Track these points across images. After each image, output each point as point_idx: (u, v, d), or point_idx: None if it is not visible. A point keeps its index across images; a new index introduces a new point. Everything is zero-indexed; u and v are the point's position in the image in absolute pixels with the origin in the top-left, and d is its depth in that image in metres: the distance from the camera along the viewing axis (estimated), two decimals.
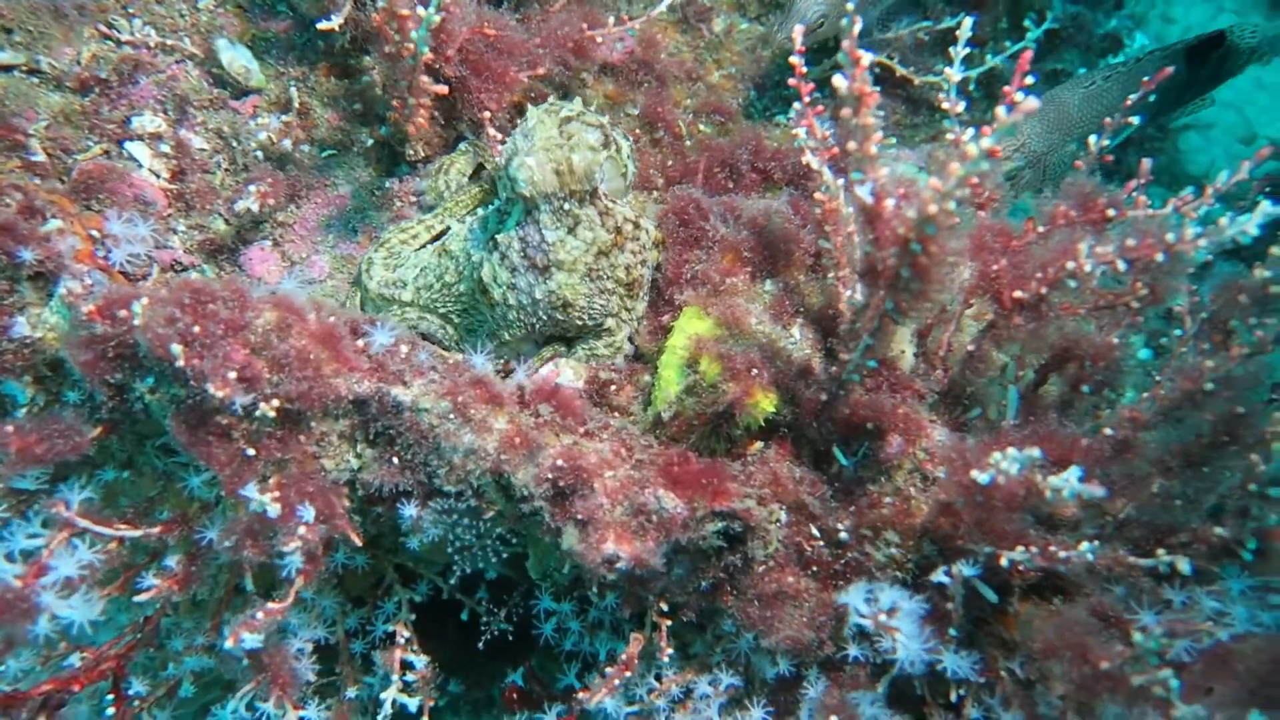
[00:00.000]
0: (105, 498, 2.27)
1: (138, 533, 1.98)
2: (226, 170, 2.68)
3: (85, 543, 1.99)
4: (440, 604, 2.82)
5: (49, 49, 2.59)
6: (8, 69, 2.52)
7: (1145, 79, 2.48)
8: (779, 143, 3.06)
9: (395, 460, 2.10)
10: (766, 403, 2.12)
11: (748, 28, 3.78)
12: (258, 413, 1.91)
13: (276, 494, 1.94)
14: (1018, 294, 2.01)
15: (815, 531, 2.02)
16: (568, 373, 2.50)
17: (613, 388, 2.46)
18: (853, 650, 1.99)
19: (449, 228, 2.64)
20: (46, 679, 1.93)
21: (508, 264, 2.31)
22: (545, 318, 2.37)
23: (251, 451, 1.99)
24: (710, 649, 2.21)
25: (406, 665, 2.37)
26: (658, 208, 2.77)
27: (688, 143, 3.18)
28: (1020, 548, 1.75)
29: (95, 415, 2.02)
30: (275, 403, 1.92)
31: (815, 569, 2.01)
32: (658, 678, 2.26)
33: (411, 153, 2.75)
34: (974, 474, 1.74)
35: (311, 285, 2.69)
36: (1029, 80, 1.74)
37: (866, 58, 1.55)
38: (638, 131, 3.18)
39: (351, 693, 2.51)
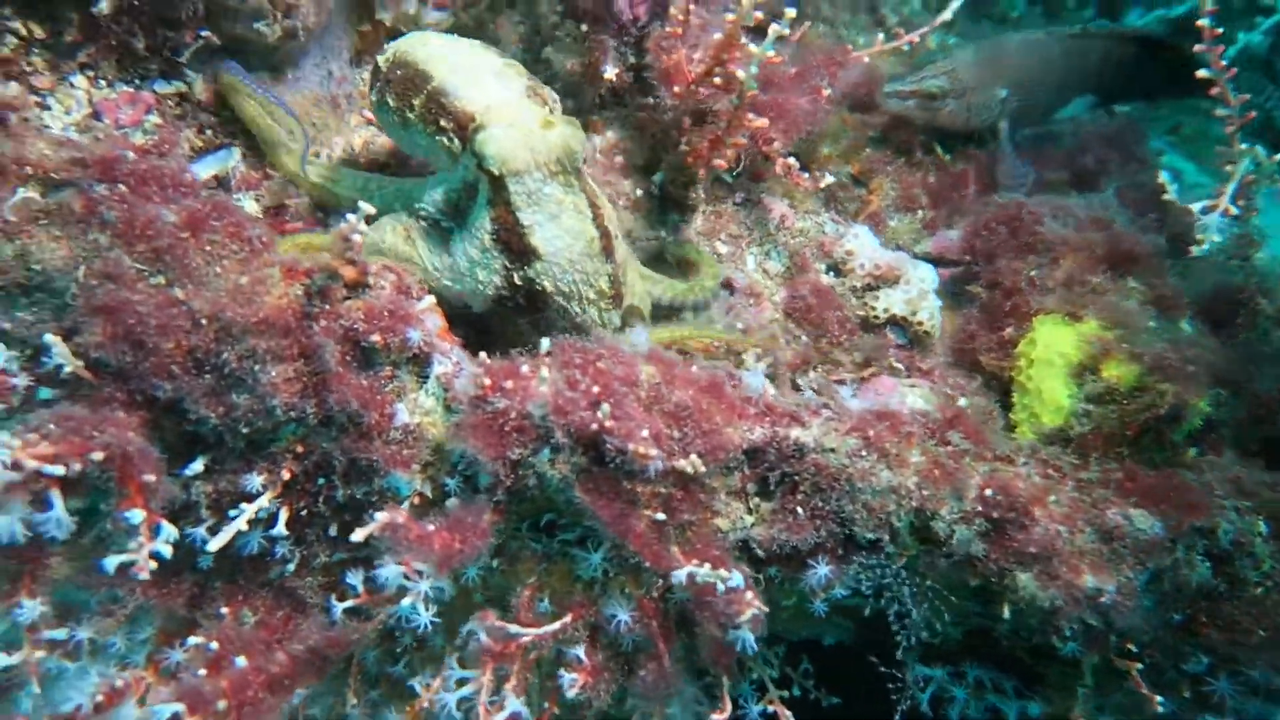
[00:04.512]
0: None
1: (554, 627, 1.80)
2: None
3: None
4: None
5: (326, 141, 2.57)
6: None
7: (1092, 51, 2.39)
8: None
9: (799, 510, 1.91)
10: (1202, 402, 1.90)
11: (955, 44, 3.68)
12: (680, 466, 1.74)
13: (701, 564, 1.76)
14: None
15: None
16: (917, 400, 2.31)
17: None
18: None
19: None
20: None
21: (477, 244, 1.94)
22: (516, 304, 1.99)
23: (662, 516, 1.82)
24: (1173, 693, 1.93)
25: None
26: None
27: (946, 157, 3.03)
28: None
29: (491, 500, 1.87)
30: (694, 458, 1.76)
31: None
32: None
33: (693, 197, 2.63)
34: None
35: None
36: None
37: None
38: (889, 153, 3.05)
39: None
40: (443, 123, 1.89)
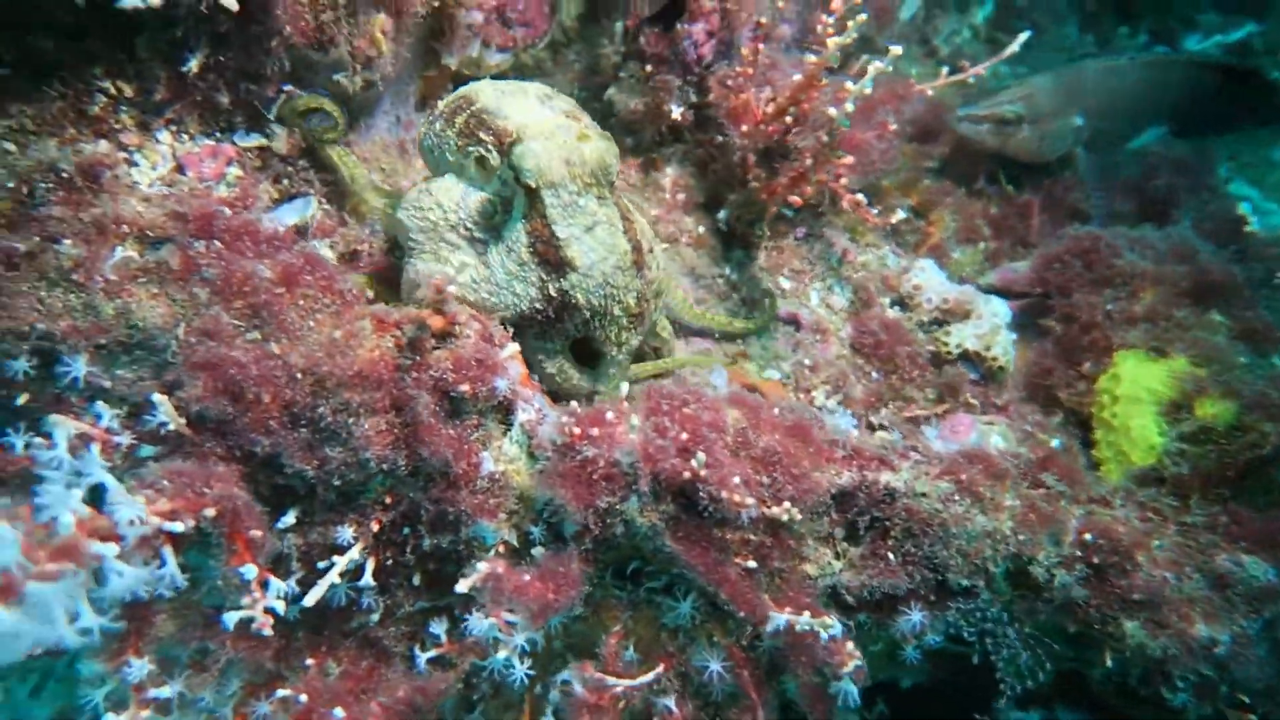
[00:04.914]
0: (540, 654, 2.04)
1: (648, 677, 1.77)
2: None
3: None
4: None
5: (394, 186, 2.58)
6: None
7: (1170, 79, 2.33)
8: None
9: (891, 556, 1.87)
10: None
11: (1008, 72, 3.67)
12: (775, 514, 1.72)
13: (798, 612, 1.73)
14: None
15: None
16: (997, 439, 2.27)
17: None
18: None
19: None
20: None
21: (515, 257, 1.90)
22: (545, 317, 1.95)
23: (754, 564, 1.79)
24: None
25: None
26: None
27: (1009, 188, 3.00)
28: None
29: (579, 548, 1.84)
30: (788, 506, 1.73)
31: None
32: None
33: (759, 233, 2.62)
34: None
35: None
36: None
37: None
38: (949, 184, 3.03)
39: None
40: (481, 134, 1.91)
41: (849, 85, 1.99)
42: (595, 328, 2.00)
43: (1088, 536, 1.79)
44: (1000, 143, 2.82)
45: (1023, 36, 2.48)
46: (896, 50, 1.99)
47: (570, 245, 1.88)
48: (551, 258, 1.89)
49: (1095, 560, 1.78)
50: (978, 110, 2.82)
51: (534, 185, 1.83)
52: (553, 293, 1.92)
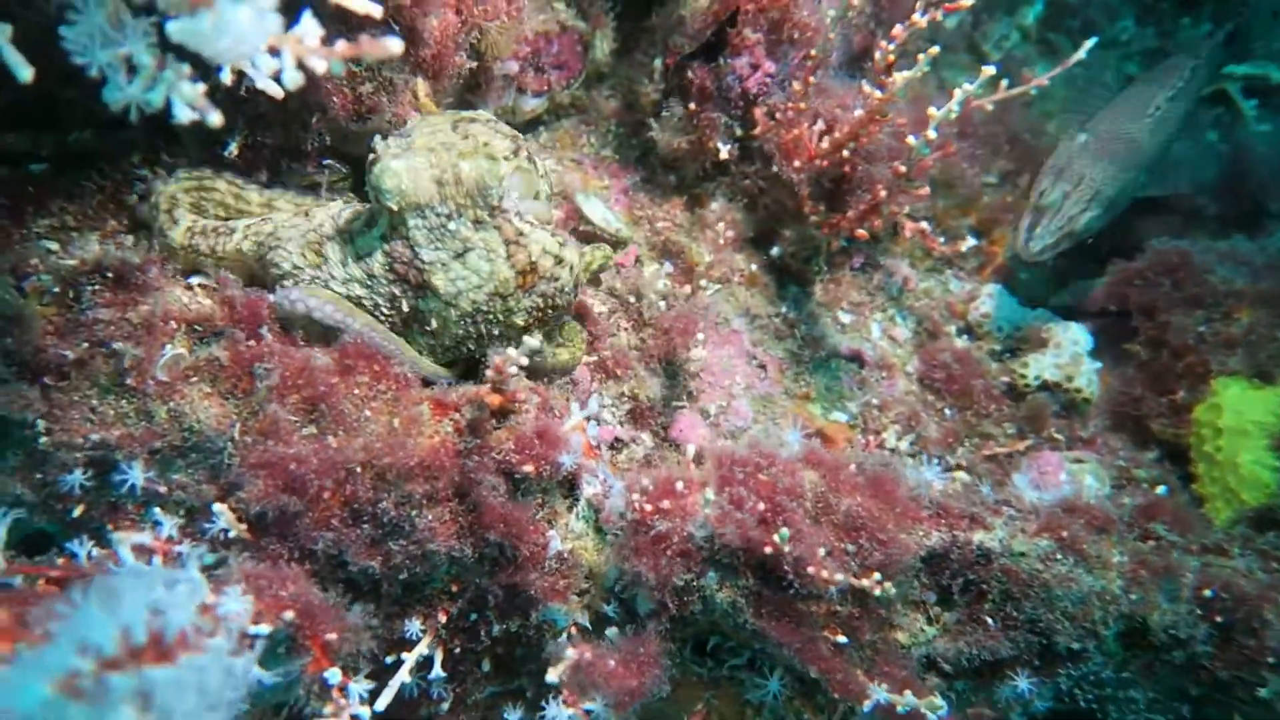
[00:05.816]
0: None
1: None
2: (626, 329, 2.50)
3: None
4: None
5: None
6: None
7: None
8: None
9: (990, 621, 1.75)
10: None
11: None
12: (866, 587, 1.60)
13: (893, 685, 1.61)
14: None
15: None
16: (1089, 480, 2.13)
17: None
18: None
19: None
20: None
21: (363, 266, 1.74)
22: (393, 322, 1.80)
23: (844, 639, 1.68)
24: None
25: None
26: None
27: None
28: None
29: (656, 627, 1.75)
30: (879, 579, 1.61)
31: None
32: None
33: (815, 268, 2.51)
34: None
35: (742, 433, 2.43)
36: None
37: None
38: (1010, 199, 2.89)
39: None
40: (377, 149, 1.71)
41: (933, 111, 1.87)
42: (469, 349, 1.84)
43: (1207, 592, 1.65)
44: (1082, 242, 2.50)
45: (1089, 44, 2.33)
46: (989, 70, 1.85)
47: (435, 271, 1.71)
48: (413, 279, 1.72)
49: (1218, 618, 1.64)
50: (1049, 238, 2.41)
51: (395, 208, 1.65)
52: (406, 308, 1.77)
